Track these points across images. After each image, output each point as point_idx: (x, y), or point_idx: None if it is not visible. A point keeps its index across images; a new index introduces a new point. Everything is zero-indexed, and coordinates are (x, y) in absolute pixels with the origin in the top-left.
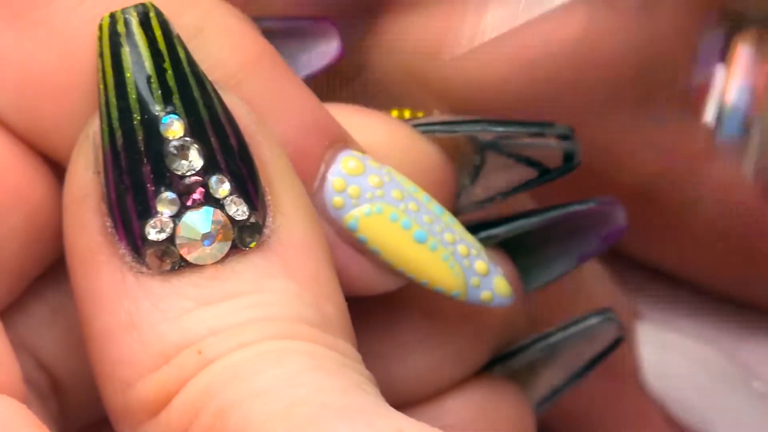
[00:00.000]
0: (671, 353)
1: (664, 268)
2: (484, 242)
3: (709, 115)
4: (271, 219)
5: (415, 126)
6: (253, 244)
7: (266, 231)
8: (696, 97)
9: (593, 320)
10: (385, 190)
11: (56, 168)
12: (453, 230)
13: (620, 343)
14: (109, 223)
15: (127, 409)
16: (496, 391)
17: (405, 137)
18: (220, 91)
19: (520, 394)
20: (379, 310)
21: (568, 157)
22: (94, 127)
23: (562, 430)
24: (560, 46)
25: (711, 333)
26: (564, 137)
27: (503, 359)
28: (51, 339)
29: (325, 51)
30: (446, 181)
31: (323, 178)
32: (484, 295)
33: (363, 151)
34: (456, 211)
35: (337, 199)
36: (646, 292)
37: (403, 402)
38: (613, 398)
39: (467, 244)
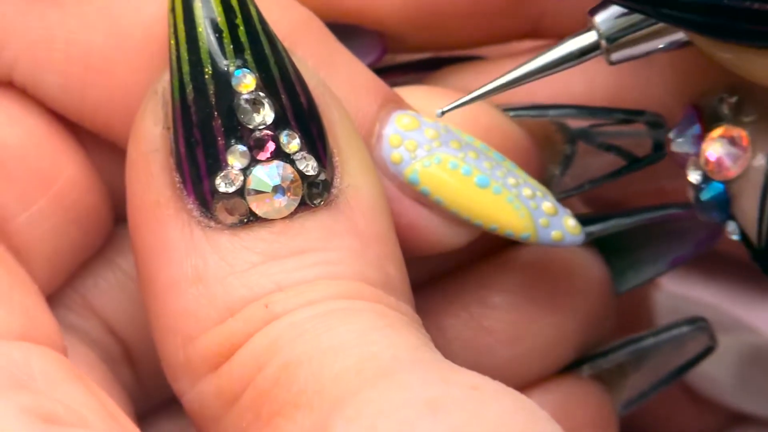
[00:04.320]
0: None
1: None
2: None
3: (693, 178)
4: (338, 179)
5: (505, 110)
6: (321, 202)
7: (334, 190)
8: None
9: (685, 328)
10: (442, 141)
11: (90, 148)
12: (516, 174)
13: (711, 352)
14: (177, 178)
15: (188, 363)
16: (580, 390)
17: (487, 117)
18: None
19: (604, 395)
20: (468, 298)
21: (658, 146)
22: (163, 83)
23: None
24: None
25: (725, 299)
26: (654, 125)
27: (591, 359)
28: (121, 305)
29: (368, 52)
30: (530, 164)
31: (379, 136)
32: (555, 234)
33: (417, 111)
34: None
35: (395, 155)
36: None
37: None
38: None
39: (531, 186)
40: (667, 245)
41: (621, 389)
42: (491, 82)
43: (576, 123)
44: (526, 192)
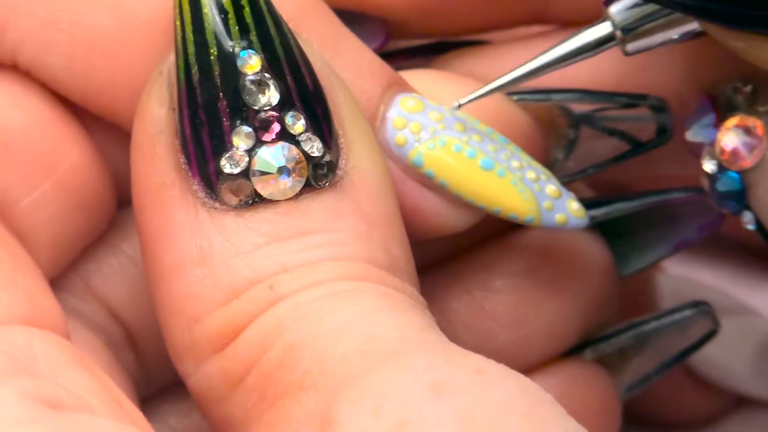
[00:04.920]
0: None
1: None
2: None
3: (708, 168)
4: (344, 160)
5: (509, 94)
6: (326, 184)
7: (339, 172)
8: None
9: (688, 312)
10: (447, 123)
11: (93, 132)
12: (520, 157)
13: (714, 335)
14: (182, 160)
15: (192, 345)
16: (583, 374)
17: (492, 101)
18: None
19: (607, 379)
20: (470, 282)
21: (662, 130)
22: (168, 64)
23: None
24: None
25: (729, 282)
26: (658, 109)
27: (594, 343)
28: (124, 290)
29: (370, 39)
30: (534, 148)
31: (384, 118)
32: (559, 217)
33: (421, 94)
34: None
35: (400, 137)
36: None
37: None
38: None
39: (535, 169)
40: (670, 229)
41: (623, 373)
42: (506, 74)
43: (580, 107)
44: (530, 175)
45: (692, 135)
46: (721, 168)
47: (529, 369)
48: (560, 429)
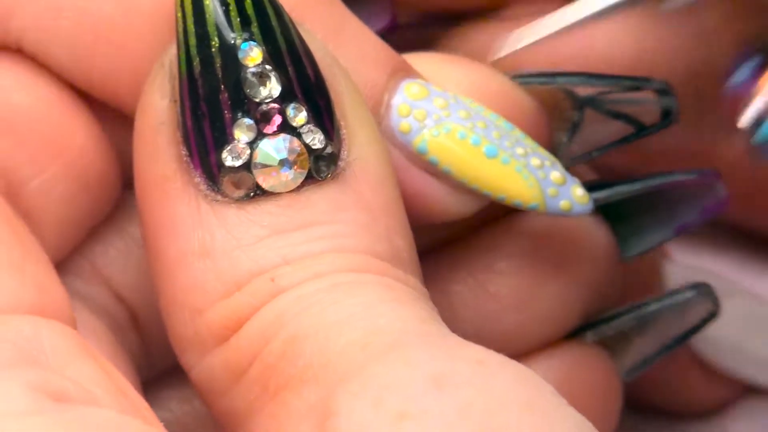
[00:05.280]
0: None
1: None
2: None
3: (745, 121)
4: (345, 152)
5: (513, 77)
6: (328, 175)
7: (341, 163)
8: (730, 104)
9: (689, 294)
10: (451, 110)
11: (100, 115)
12: (524, 144)
13: (713, 318)
14: (184, 152)
15: (195, 337)
16: (584, 356)
17: (497, 84)
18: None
19: (608, 361)
20: (473, 264)
21: (666, 113)
22: (170, 56)
23: None
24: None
25: (735, 270)
26: (662, 92)
27: (595, 325)
28: (130, 271)
29: (375, 21)
30: (539, 131)
31: (388, 105)
32: (563, 204)
33: (426, 80)
34: None
35: (404, 124)
36: None
37: None
38: None
39: (540, 156)
40: (672, 212)
41: (624, 355)
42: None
43: (584, 90)
44: (535, 162)
45: (734, 80)
46: (759, 121)
47: (531, 350)
48: (561, 419)
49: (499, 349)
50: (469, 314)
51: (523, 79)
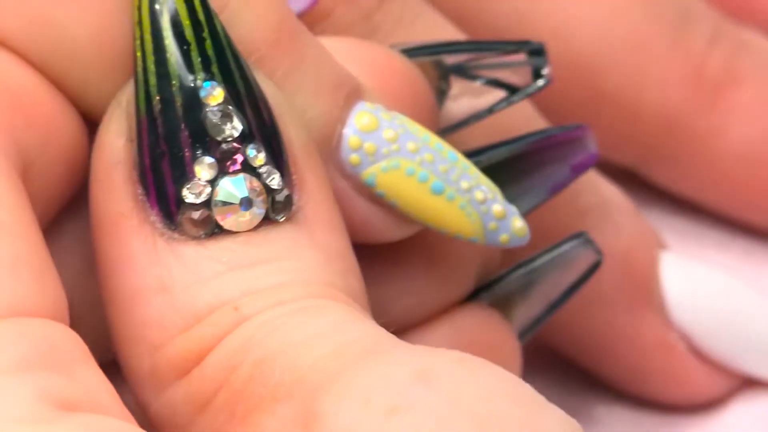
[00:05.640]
0: (697, 284)
1: (688, 197)
2: None
3: None
4: (297, 196)
5: (401, 51)
6: (283, 216)
7: (294, 206)
8: None
9: (571, 244)
10: (401, 144)
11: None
12: (469, 176)
13: (597, 268)
14: (140, 191)
15: (154, 372)
16: (483, 318)
17: (400, 64)
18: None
19: (504, 323)
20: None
21: (537, 74)
22: (127, 95)
23: (586, 363)
24: None
25: (737, 263)
26: (535, 53)
27: (488, 287)
28: (71, 264)
29: None
30: (434, 106)
31: (340, 136)
32: (503, 237)
33: (373, 100)
34: None
35: (354, 157)
36: (670, 222)
37: (394, 329)
38: (637, 329)
39: (483, 189)
40: (543, 174)
41: (514, 318)
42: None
43: (452, 58)
44: (478, 196)
45: None
46: None
47: (439, 313)
48: (546, 411)
49: (410, 315)
50: (379, 278)
51: (409, 53)
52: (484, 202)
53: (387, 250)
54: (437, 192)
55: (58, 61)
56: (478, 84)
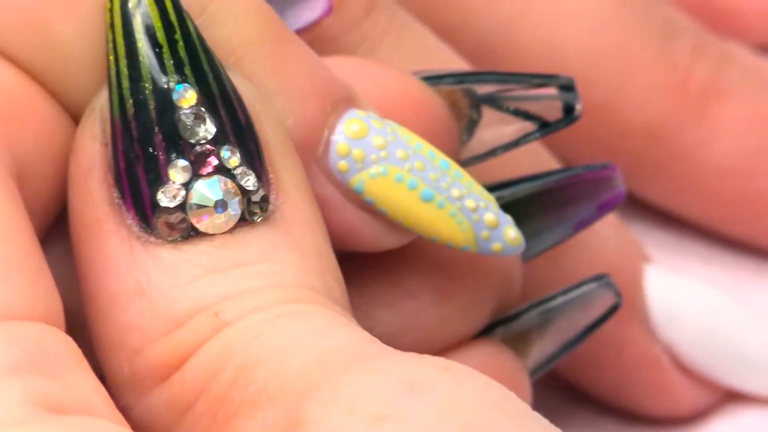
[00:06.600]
0: (681, 297)
1: (672, 210)
2: None
3: None
4: (274, 196)
5: (422, 79)
6: (260, 217)
7: (271, 206)
8: None
9: (590, 286)
10: (390, 151)
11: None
12: (460, 185)
13: (616, 310)
14: (116, 194)
15: (134, 377)
16: (495, 354)
17: (417, 90)
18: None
19: (516, 360)
20: (389, 264)
21: (569, 109)
22: (101, 100)
23: (570, 376)
24: None
25: (721, 276)
26: (565, 88)
27: (504, 323)
28: (70, 269)
29: (313, 6)
30: (453, 133)
31: (327, 143)
32: (495, 246)
33: (367, 109)
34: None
35: (342, 164)
36: (654, 235)
37: None
38: (621, 342)
39: (475, 197)
40: (569, 210)
41: (529, 355)
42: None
43: (483, 88)
44: (470, 204)
45: None
46: None
47: (447, 348)
48: (531, 420)
49: (417, 350)
50: (388, 311)
51: (431, 81)
52: (476, 210)
53: (406, 275)
54: (427, 199)
55: (48, 64)
56: (506, 114)
